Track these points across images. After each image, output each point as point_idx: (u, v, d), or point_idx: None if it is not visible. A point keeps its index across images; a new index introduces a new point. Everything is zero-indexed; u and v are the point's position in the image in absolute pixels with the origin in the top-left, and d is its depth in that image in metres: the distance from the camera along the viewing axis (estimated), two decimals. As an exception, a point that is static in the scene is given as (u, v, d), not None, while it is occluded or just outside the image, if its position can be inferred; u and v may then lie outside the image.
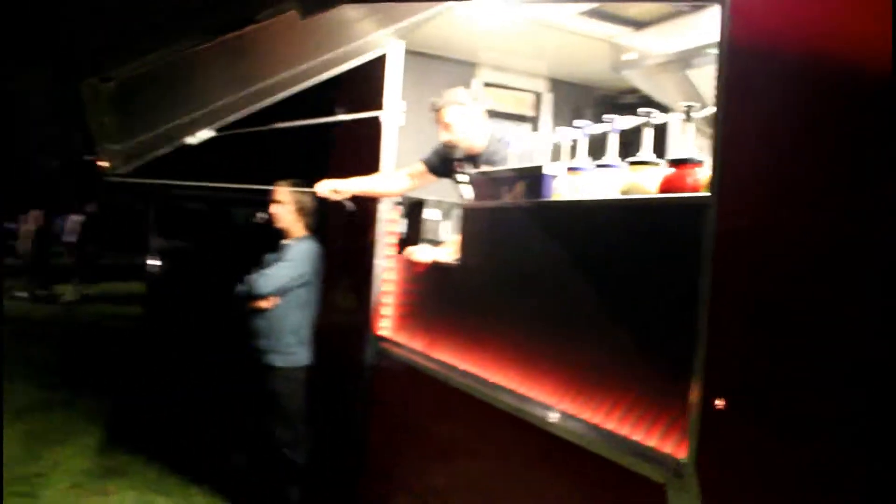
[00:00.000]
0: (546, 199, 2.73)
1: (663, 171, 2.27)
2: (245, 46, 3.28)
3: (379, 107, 4.36)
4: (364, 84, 4.53)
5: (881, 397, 1.51)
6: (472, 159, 3.82)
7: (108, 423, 6.53)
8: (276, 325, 4.35)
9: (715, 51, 1.93)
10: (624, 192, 2.37)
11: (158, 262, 10.82)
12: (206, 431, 6.45)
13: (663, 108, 4.14)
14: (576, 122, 2.84)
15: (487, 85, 5.13)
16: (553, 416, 2.42)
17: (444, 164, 4.02)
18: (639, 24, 4.01)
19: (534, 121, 5.34)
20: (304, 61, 3.86)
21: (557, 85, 5.30)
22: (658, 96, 4.40)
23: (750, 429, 1.74)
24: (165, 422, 6.67)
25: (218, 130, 4.17)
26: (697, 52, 3.89)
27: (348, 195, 4.15)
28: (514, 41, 4.44)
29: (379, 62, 4.39)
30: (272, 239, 4.70)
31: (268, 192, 4.56)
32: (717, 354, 1.82)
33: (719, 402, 1.77)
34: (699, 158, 2.16)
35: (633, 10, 3.88)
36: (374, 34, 4.05)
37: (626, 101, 5.21)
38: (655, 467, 1.95)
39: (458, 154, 3.82)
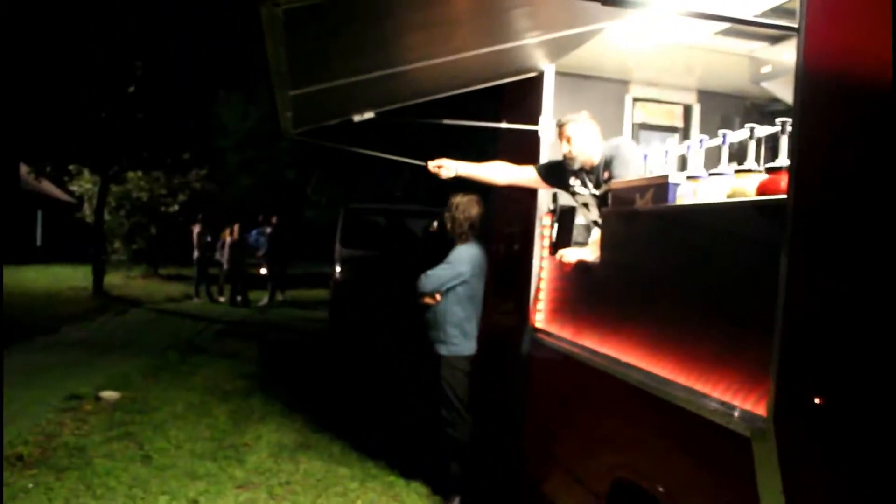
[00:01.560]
0: (671, 204, 3.15)
1: (761, 177, 2.65)
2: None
3: (536, 121, 4.91)
4: (524, 99, 5.09)
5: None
6: (589, 172, 4.28)
7: (299, 406, 7.47)
8: (441, 318, 5.02)
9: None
10: (730, 196, 2.76)
11: (343, 270, 11.94)
12: (385, 413, 7.28)
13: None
14: (695, 137, 3.23)
15: (637, 100, 5.50)
16: (672, 389, 2.84)
17: (558, 175, 4.50)
18: (774, 39, 4.27)
19: (684, 131, 5.62)
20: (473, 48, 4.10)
21: (705, 96, 5.54)
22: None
23: (817, 396, 2.11)
24: (349, 404, 7.58)
25: (378, 115, 4.79)
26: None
27: (453, 174, 4.72)
28: (658, 59, 4.79)
29: (536, 81, 4.94)
30: (444, 245, 5.37)
31: (438, 205, 5.23)
32: (794, 334, 2.19)
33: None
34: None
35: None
36: (527, 53, 4.51)
37: (775, 108, 5.40)
38: (745, 424, 2.35)
39: (576, 166, 4.29)
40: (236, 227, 16.93)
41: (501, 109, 5.57)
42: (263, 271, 17.58)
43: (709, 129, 5.48)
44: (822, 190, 2.16)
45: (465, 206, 5.15)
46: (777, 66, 4.35)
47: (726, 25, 4.04)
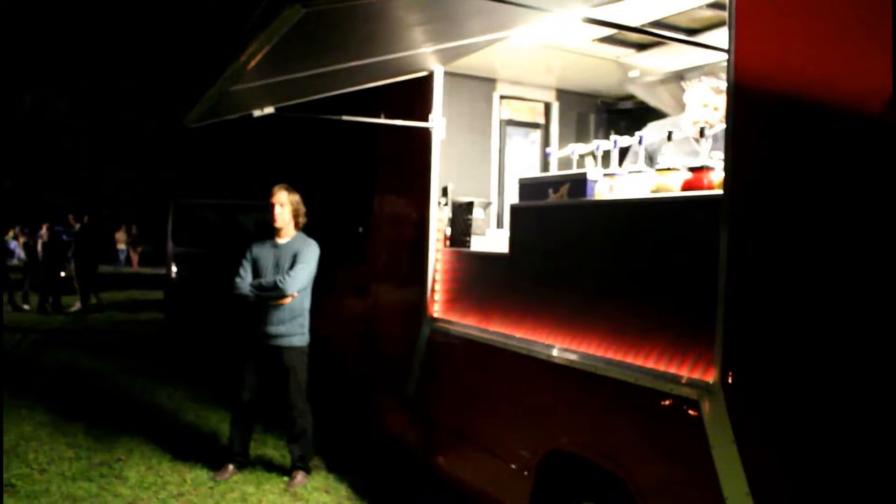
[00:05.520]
0: (588, 199, 3.48)
1: (684, 175, 3.04)
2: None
3: (420, 118, 5.09)
4: (410, 96, 5.26)
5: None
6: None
7: (160, 412, 7.28)
8: (296, 312, 5.30)
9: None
10: (654, 192, 3.14)
11: (177, 268, 11.52)
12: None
13: (659, 114, 4.94)
14: (612, 138, 3.57)
15: (503, 97, 5.85)
16: (606, 365, 3.17)
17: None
18: (641, 47, 4.75)
19: (545, 127, 6.06)
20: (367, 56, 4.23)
21: (563, 95, 5.99)
22: (654, 103, 5.17)
23: (758, 360, 2.52)
24: (206, 404, 7.44)
25: (277, 109, 4.82)
26: (690, 69, 4.65)
27: None
28: (531, 61, 5.14)
29: (425, 80, 5.12)
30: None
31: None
32: (733, 310, 2.57)
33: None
34: (712, 165, 2.93)
35: (637, 36, 4.60)
36: (423, 56, 4.66)
37: (624, 106, 5.97)
38: (692, 389, 2.73)
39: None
40: (44, 228, 15.68)
41: (382, 105, 5.69)
42: (63, 274, 16.30)
43: (565, 124, 5.99)
44: (750, 186, 2.56)
45: (297, 198, 5.40)
46: (643, 71, 4.84)
47: (605, 32, 4.43)
